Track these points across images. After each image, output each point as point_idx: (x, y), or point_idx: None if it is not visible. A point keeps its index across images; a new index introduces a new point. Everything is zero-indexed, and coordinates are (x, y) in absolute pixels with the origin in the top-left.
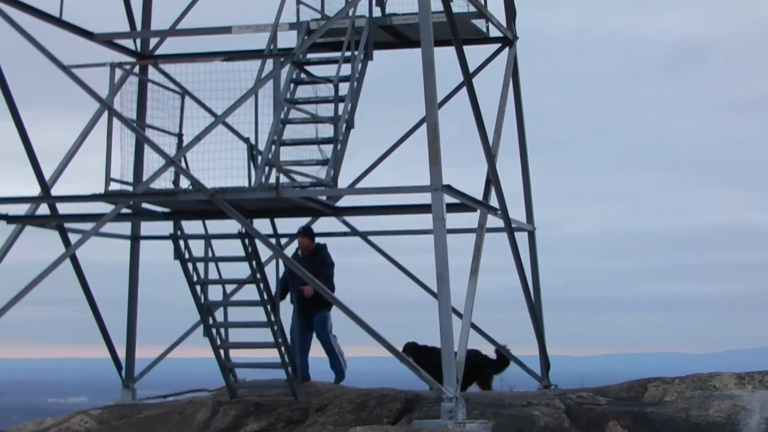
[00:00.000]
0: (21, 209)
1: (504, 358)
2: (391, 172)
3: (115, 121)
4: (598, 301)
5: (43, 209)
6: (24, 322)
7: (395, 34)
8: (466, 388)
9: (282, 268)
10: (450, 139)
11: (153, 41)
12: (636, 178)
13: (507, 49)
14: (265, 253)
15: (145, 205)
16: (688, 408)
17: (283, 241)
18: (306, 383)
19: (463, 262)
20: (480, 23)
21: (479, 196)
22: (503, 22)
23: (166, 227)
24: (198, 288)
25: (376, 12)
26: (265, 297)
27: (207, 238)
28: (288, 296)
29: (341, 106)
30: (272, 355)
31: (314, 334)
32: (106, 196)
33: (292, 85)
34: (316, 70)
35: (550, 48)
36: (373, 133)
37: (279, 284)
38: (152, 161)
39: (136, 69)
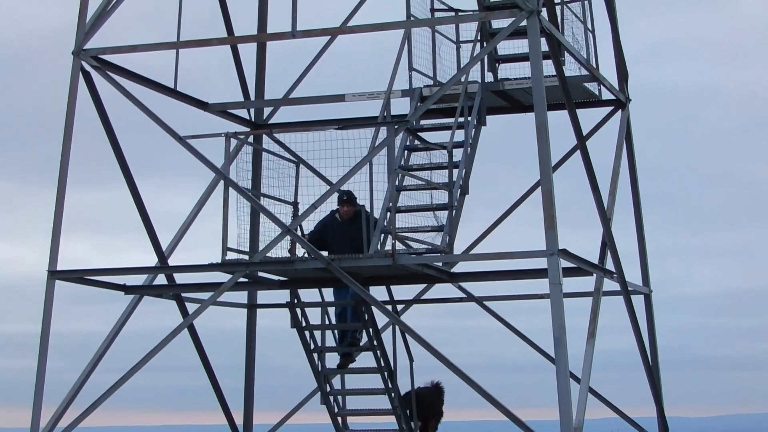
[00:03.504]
0: (139, 279)
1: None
2: (507, 235)
3: (231, 191)
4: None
5: (161, 279)
6: (142, 389)
7: (508, 99)
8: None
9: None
10: (564, 199)
11: (267, 110)
12: (755, 232)
13: (620, 111)
14: (381, 319)
15: (261, 274)
16: None
17: (400, 307)
18: None
19: (578, 323)
20: (592, 86)
21: (595, 258)
22: (615, 84)
23: (283, 295)
24: (315, 356)
25: (489, 77)
26: (383, 364)
27: (324, 305)
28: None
29: (455, 172)
30: (390, 421)
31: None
32: (223, 266)
33: (405, 152)
34: (430, 137)
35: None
36: (488, 197)
37: (314, 233)
38: (268, 230)
39: (251, 138)
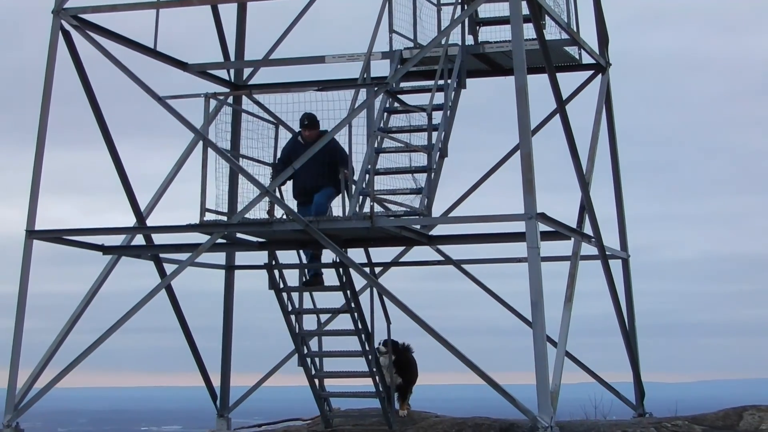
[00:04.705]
0: (117, 240)
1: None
2: (485, 198)
3: (210, 152)
4: (694, 327)
5: (139, 239)
6: (120, 350)
7: (488, 62)
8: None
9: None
10: (543, 164)
11: (247, 71)
12: (734, 200)
13: (600, 75)
14: (359, 282)
15: (239, 235)
16: None
17: (378, 270)
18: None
19: (556, 287)
20: (573, 50)
21: (573, 222)
22: (596, 48)
23: (261, 257)
24: (292, 317)
25: (469, 40)
26: (360, 326)
27: (301, 267)
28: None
29: (435, 134)
30: (367, 383)
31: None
32: (202, 227)
33: (385, 114)
34: (410, 99)
35: (646, 72)
36: (467, 160)
37: (279, 165)
38: (247, 191)
39: (231, 99)
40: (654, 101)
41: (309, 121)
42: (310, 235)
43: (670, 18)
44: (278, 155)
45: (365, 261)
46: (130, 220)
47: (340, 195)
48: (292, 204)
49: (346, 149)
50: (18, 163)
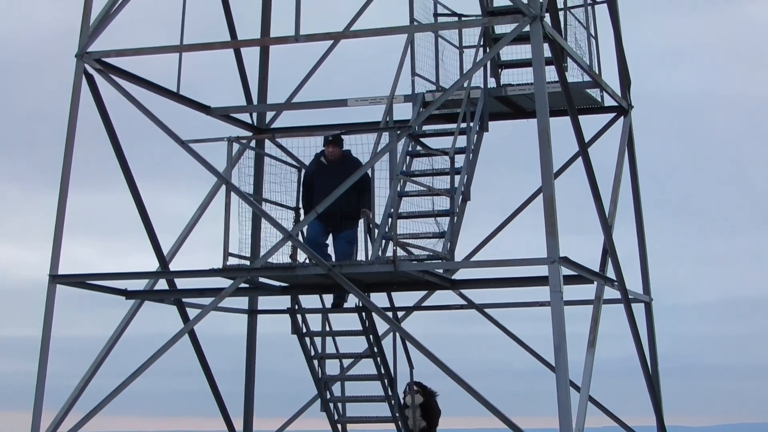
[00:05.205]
0: (140, 284)
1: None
2: (508, 239)
3: (233, 195)
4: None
5: (162, 283)
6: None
7: (510, 105)
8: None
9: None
10: (566, 206)
11: (269, 115)
12: (758, 239)
13: (622, 117)
14: (382, 326)
15: (262, 280)
16: None
17: (400, 314)
18: None
19: (578, 330)
20: (595, 92)
21: (596, 265)
22: (618, 91)
23: (284, 301)
24: (315, 362)
25: (491, 83)
26: (383, 371)
27: (324, 312)
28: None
29: (457, 178)
30: (390, 428)
31: (333, 248)
32: (224, 271)
33: (408, 158)
34: (432, 142)
35: (668, 110)
36: (489, 202)
37: (303, 189)
38: (270, 235)
39: (253, 143)
40: (676, 139)
41: (334, 137)
42: (332, 279)
43: (691, 55)
44: (300, 201)
45: (388, 305)
46: (153, 263)
47: (364, 240)
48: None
49: (376, 202)
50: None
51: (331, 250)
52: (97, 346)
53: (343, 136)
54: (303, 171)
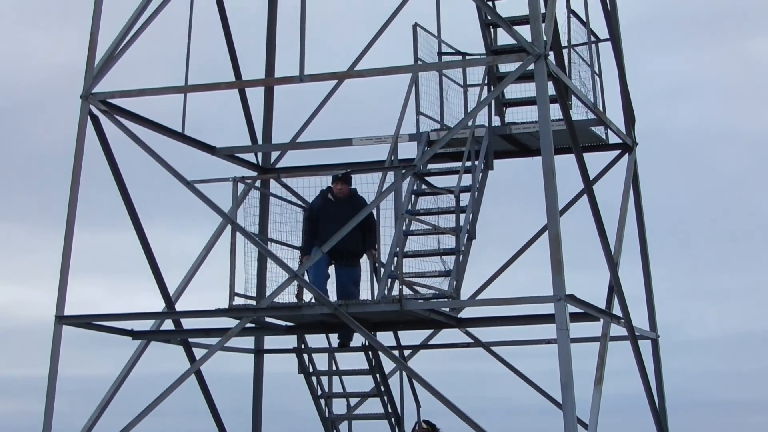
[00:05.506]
0: (146, 324)
1: None
2: (514, 276)
3: (238, 235)
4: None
5: (168, 323)
6: None
7: (515, 143)
8: None
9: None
10: (571, 242)
11: (274, 154)
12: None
13: (627, 155)
14: (388, 365)
15: (268, 319)
16: None
17: (407, 352)
18: None
19: (585, 367)
20: (599, 130)
21: (602, 302)
22: (622, 128)
23: (290, 340)
24: (322, 401)
25: (496, 121)
26: (390, 410)
27: (331, 351)
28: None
29: (462, 216)
30: None
31: (334, 285)
32: (231, 311)
33: (413, 197)
34: (437, 181)
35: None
36: (495, 239)
37: (306, 224)
38: (275, 275)
39: (258, 183)
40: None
41: (343, 174)
42: (338, 318)
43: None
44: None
45: (394, 344)
46: (159, 303)
47: (370, 279)
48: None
49: (381, 240)
50: (45, 244)
51: (331, 280)
52: (104, 386)
53: (347, 173)
54: (309, 206)
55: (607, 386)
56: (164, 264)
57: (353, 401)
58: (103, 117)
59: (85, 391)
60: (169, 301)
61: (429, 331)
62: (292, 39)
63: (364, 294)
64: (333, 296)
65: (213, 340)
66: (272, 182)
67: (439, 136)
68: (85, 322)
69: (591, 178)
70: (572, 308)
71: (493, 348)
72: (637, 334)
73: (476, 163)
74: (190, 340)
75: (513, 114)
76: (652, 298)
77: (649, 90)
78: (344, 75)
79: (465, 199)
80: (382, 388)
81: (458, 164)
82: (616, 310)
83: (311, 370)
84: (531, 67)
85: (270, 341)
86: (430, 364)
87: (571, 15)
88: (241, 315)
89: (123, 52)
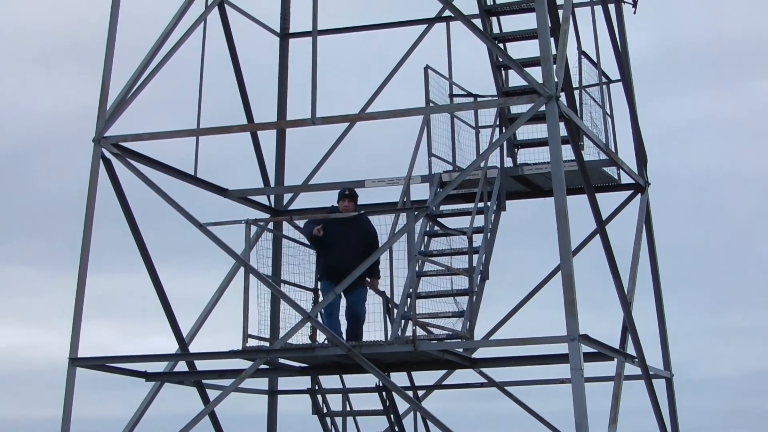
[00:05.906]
0: (160, 366)
1: None
2: (528, 316)
3: (252, 277)
4: None
5: (182, 365)
6: None
7: (527, 184)
8: None
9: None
10: (585, 282)
11: (287, 196)
12: None
13: (639, 195)
14: (402, 405)
15: (282, 360)
16: None
17: (421, 393)
18: None
19: (600, 406)
20: (612, 170)
21: (616, 341)
22: (635, 168)
23: (304, 381)
24: None
25: (508, 162)
26: None
27: (345, 392)
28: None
29: (475, 257)
30: None
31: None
32: (244, 353)
33: (426, 238)
34: (450, 222)
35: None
36: (508, 279)
37: (307, 231)
38: (289, 316)
39: (271, 225)
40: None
41: (350, 191)
42: (352, 359)
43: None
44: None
45: (408, 384)
46: (172, 345)
47: (383, 320)
48: None
49: (386, 271)
50: (58, 287)
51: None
52: (118, 427)
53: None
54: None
55: (622, 425)
56: (177, 306)
57: None
58: (115, 160)
59: None
60: (183, 342)
61: (443, 372)
62: (303, 82)
63: (377, 335)
64: (342, 319)
65: (227, 382)
66: (285, 224)
67: (452, 178)
68: (99, 364)
69: (603, 219)
70: (586, 348)
71: (507, 388)
72: (651, 373)
73: (489, 204)
74: (204, 381)
75: (525, 155)
76: (665, 337)
77: (661, 131)
78: (356, 117)
79: (478, 239)
80: (396, 429)
81: (471, 205)
82: (630, 349)
83: (325, 410)
84: (542, 108)
85: (284, 382)
86: (445, 404)
87: (582, 56)
88: (255, 357)
89: (135, 96)
